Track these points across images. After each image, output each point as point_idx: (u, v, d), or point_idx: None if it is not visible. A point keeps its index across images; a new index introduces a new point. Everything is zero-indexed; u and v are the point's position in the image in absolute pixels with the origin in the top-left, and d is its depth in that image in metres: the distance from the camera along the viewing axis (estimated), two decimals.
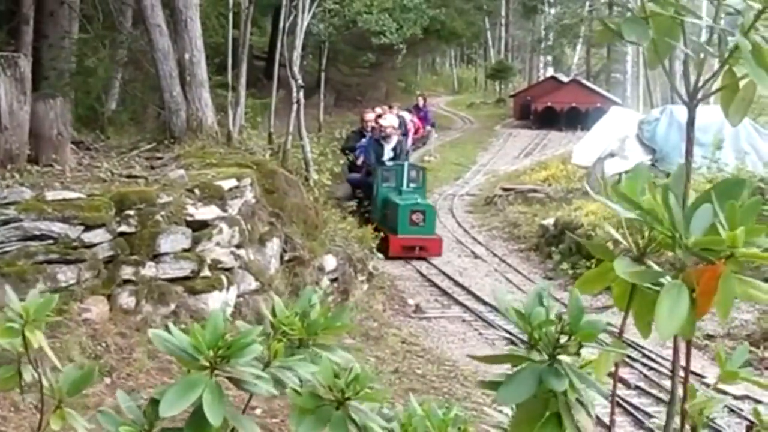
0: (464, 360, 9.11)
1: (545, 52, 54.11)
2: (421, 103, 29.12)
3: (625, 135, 19.66)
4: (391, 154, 16.68)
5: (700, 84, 1.80)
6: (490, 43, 58.40)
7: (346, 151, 18.49)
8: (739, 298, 1.62)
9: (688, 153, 1.85)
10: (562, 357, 1.79)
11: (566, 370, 1.79)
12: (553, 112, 35.80)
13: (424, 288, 12.55)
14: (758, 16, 1.64)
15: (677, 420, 1.91)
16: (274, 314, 2.15)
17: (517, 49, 65.99)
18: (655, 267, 1.73)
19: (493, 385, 1.82)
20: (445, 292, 12.19)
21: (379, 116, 18.92)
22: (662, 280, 1.67)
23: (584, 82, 39.98)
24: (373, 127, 17.88)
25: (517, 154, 27.36)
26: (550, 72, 48.95)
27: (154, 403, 1.75)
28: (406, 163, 16.06)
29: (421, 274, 13.18)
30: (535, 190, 19.52)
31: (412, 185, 15.55)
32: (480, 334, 10.75)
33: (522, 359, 1.82)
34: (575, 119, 33.83)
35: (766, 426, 2.08)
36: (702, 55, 1.75)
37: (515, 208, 18.51)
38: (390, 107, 22.58)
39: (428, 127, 28.44)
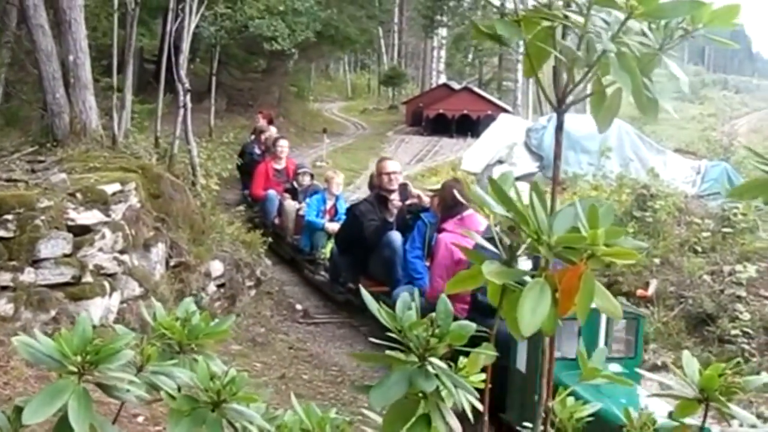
0: (351, 365, 9.14)
1: (438, 60, 54.70)
2: (263, 125, 18.68)
3: (513, 142, 20.07)
4: None
5: (568, 90, 1.85)
6: (383, 49, 58.70)
7: (349, 244, 11.10)
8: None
9: (557, 157, 1.90)
10: (433, 359, 1.82)
11: (437, 371, 1.81)
12: (445, 119, 36.18)
13: (312, 294, 12.49)
14: (624, 22, 1.69)
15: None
16: (155, 319, 2.13)
17: (410, 56, 66.53)
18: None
19: (367, 389, 1.84)
20: (333, 299, 12.09)
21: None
22: (527, 278, 1.70)
23: (476, 89, 40.53)
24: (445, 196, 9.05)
25: (408, 160, 27.49)
26: (443, 79, 49.38)
27: (18, 410, 1.71)
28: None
29: (309, 281, 13.08)
30: None
31: (615, 354, 6.38)
32: (368, 338, 10.76)
33: (396, 360, 1.84)
34: (466, 126, 34.30)
35: (635, 426, 2.13)
36: (571, 62, 1.80)
37: None
38: (259, 133, 17.67)
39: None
